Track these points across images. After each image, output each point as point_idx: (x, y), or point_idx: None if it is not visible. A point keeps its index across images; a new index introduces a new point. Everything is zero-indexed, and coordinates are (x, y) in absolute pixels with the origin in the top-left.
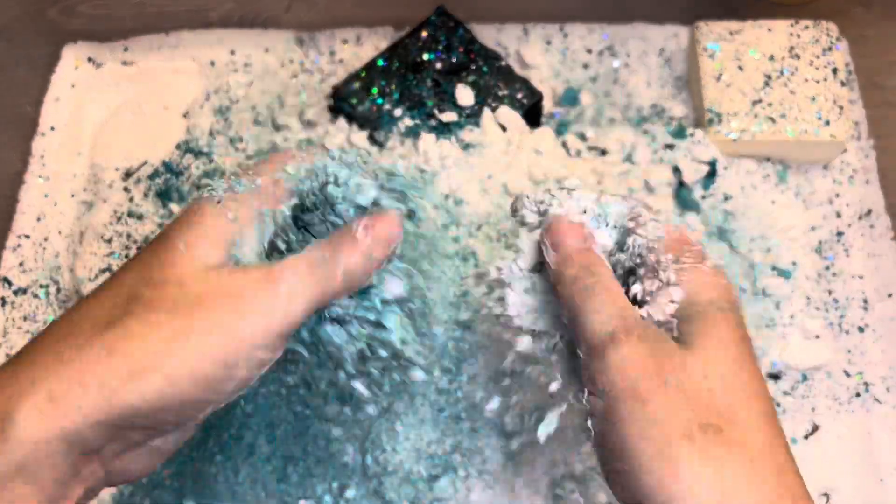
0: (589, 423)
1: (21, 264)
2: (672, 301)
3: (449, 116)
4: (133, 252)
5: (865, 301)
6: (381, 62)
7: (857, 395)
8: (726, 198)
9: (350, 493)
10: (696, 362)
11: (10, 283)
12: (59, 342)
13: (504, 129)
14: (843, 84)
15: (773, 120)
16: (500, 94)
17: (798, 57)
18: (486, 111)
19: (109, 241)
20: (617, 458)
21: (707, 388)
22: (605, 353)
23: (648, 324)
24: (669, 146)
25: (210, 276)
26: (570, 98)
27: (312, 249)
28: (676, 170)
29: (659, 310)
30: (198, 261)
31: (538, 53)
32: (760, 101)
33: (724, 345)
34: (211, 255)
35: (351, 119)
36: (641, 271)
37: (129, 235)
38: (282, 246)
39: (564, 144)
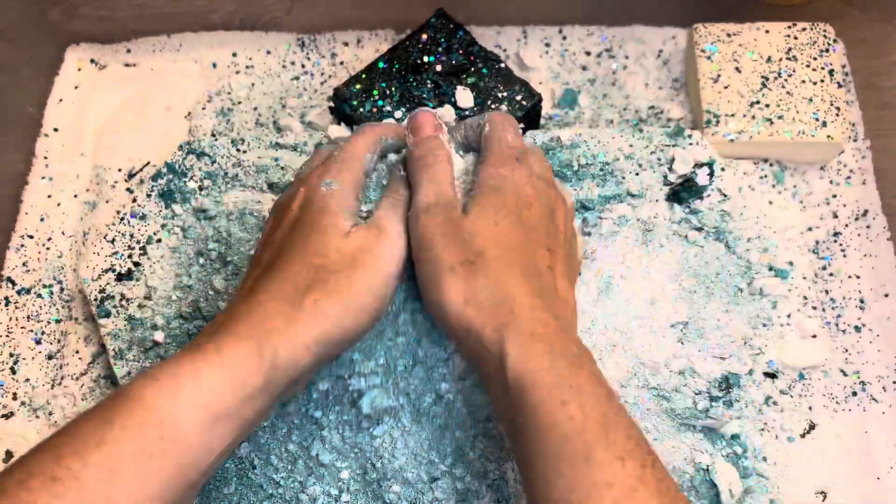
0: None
1: (25, 264)
2: (473, 184)
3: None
4: (136, 253)
5: (862, 301)
6: (381, 64)
7: (854, 393)
8: (724, 198)
9: (348, 495)
10: (467, 223)
11: (13, 283)
12: (277, 302)
13: None
14: (839, 85)
15: (770, 121)
16: (500, 95)
17: (795, 59)
18: None
19: (113, 241)
20: (421, 286)
21: (469, 239)
22: (418, 218)
23: (453, 200)
24: (667, 147)
25: (350, 240)
26: (568, 100)
27: (385, 197)
28: (674, 171)
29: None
30: (340, 231)
31: (537, 55)
32: (758, 102)
33: (487, 211)
34: (345, 225)
35: (352, 121)
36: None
37: (131, 236)
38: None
39: None
